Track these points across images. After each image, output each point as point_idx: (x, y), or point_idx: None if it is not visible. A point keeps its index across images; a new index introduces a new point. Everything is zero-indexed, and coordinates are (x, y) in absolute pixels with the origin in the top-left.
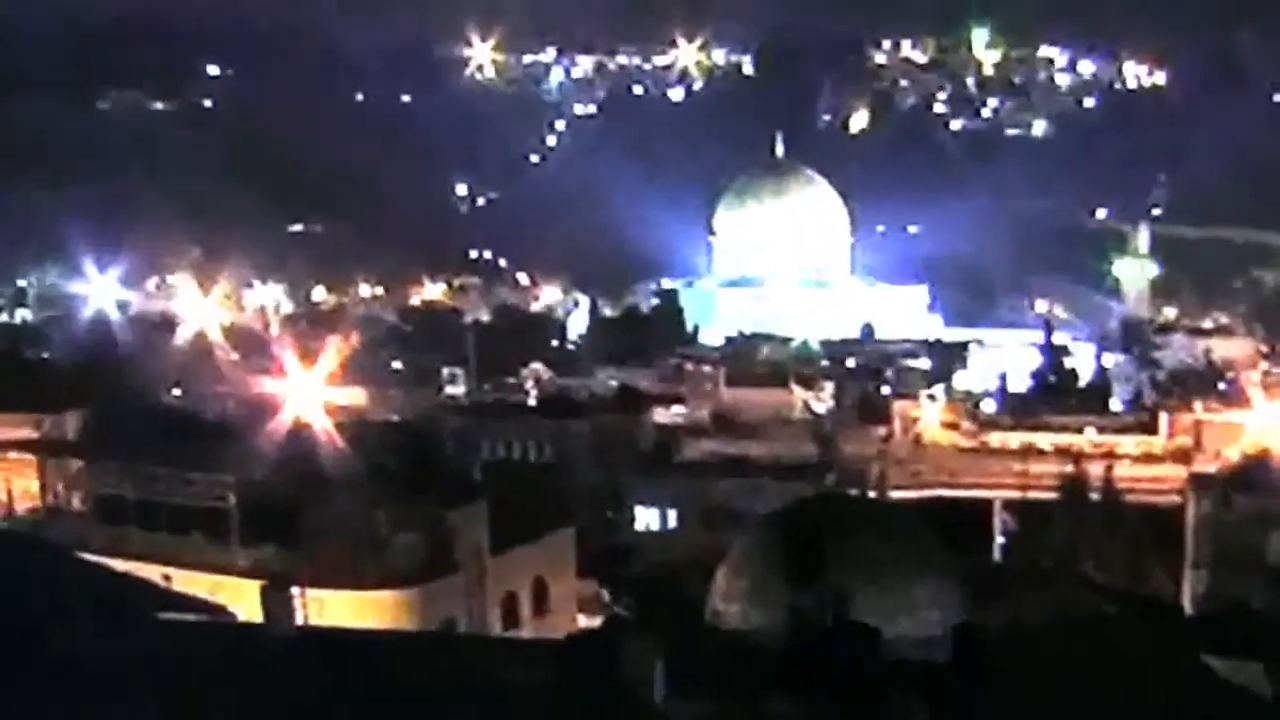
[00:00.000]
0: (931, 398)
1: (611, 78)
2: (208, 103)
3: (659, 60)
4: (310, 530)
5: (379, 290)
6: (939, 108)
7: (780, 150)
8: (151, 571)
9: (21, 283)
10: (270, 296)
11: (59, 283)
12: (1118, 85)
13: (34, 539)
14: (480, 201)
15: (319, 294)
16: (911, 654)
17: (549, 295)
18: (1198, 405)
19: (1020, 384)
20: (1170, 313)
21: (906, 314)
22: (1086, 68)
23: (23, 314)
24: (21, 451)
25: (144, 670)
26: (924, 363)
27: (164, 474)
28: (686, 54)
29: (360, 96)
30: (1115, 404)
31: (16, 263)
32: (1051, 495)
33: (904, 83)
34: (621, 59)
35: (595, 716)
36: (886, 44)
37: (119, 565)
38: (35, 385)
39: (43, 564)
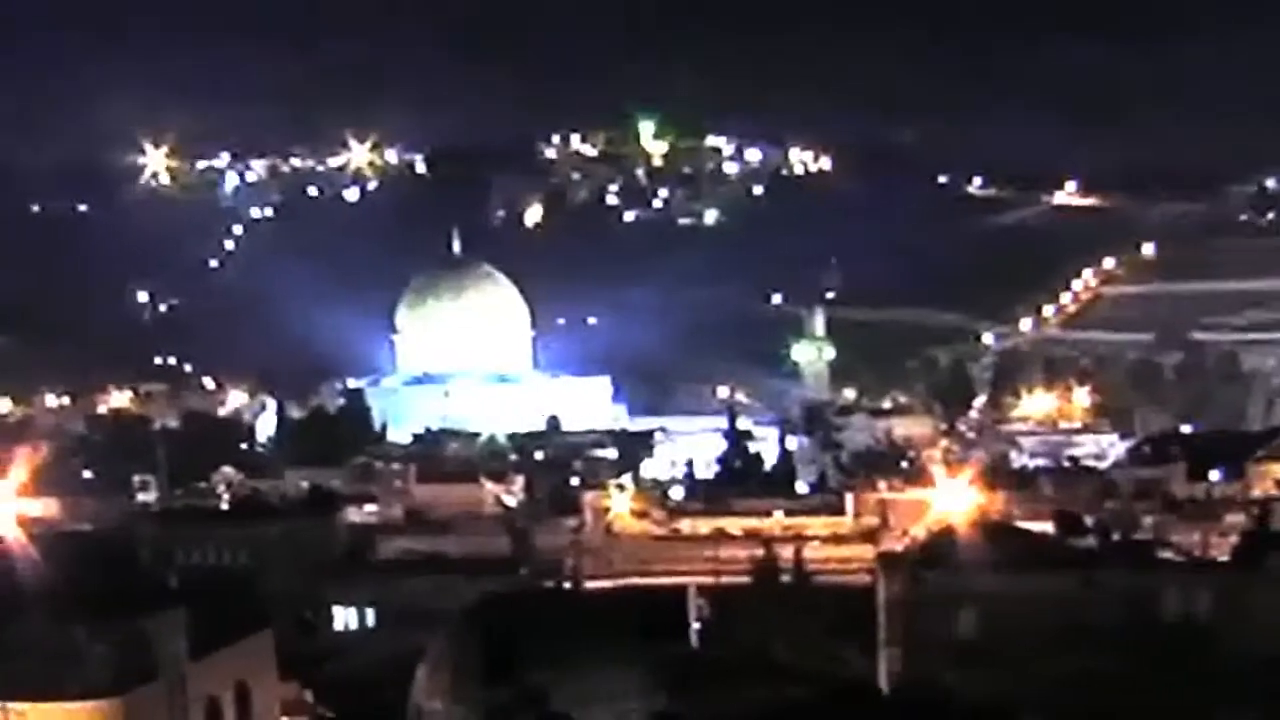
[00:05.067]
0: (620, 487)
1: (286, 180)
2: None
3: (332, 161)
4: (5, 645)
5: (65, 400)
6: (611, 199)
7: (457, 247)
8: None
9: None
10: None
11: None
12: (785, 172)
13: None
14: (162, 308)
15: (4, 406)
16: None
17: (236, 399)
18: (882, 484)
19: (707, 470)
20: (850, 394)
21: (591, 405)
22: (754, 155)
23: None
24: None
25: None
26: (611, 453)
27: None
28: (359, 155)
29: (36, 208)
30: (801, 486)
31: None
32: (744, 579)
33: (576, 176)
34: (295, 161)
35: None
36: (556, 139)
37: None
38: None
39: None
